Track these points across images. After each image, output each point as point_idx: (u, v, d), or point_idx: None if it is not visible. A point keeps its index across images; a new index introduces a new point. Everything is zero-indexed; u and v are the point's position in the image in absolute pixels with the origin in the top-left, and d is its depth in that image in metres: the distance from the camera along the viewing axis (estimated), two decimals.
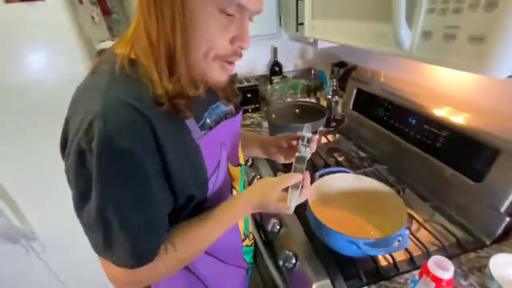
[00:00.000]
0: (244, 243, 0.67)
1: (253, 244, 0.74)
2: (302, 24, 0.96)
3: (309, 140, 0.56)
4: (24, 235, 1.14)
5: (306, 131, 0.59)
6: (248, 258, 0.71)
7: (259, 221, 0.91)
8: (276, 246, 0.77)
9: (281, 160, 0.68)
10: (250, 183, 0.99)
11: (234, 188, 0.61)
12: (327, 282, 0.59)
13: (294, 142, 0.63)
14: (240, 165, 0.63)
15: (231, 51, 0.42)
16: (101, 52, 1.01)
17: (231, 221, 0.51)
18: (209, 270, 0.59)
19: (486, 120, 0.68)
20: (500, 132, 0.63)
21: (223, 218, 0.50)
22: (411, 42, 0.50)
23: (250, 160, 1.02)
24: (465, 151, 0.69)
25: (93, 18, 0.99)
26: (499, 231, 0.65)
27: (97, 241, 0.40)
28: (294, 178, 0.50)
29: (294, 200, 0.48)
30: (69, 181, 0.40)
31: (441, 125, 0.76)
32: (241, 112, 0.59)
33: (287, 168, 0.95)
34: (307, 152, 0.55)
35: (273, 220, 0.78)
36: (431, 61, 0.47)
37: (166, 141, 0.39)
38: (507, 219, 0.63)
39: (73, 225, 0.48)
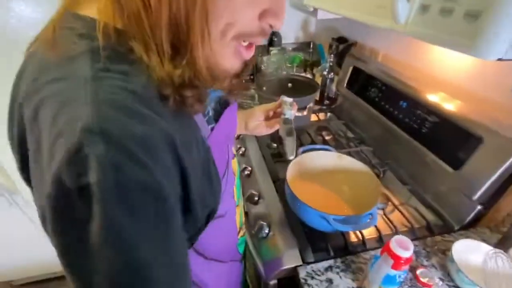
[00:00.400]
0: (240, 235, 0.60)
1: (245, 234, 0.67)
2: None
3: (291, 104, 0.59)
4: (7, 189, 1.15)
5: (284, 98, 0.63)
6: (241, 248, 0.64)
7: (242, 189, 0.92)
8: (253, 216, 0.78)
9: (264, 131, 0.67)
10: (241, 174, 0.96)
11: (235, 184, 0.52)
12: (295, 251, 0.61)
13: (271, 113, 0.65)
14: (234, 154, 0.57)
15: (257, 29, 0.30)
16: None
17: None
18: (209, 274, 0.52)
19: (475, 108, 0.67)
20: (486, 121, 0.62)
21: None
22: (407, 15, 0.47)
23: (242, 148, 0.98)
24: (449, 138, 0.69)
25: None
26: (469, 218, 0.67)
27: None
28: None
29: (290, 147, 0.51)
30: (44, 223, 0.24)
31: (429, 110, 0.74)
32: (236, 103, 0.51)
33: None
34: (292, 114, 0.59)
35: (252, 191, 0.79)
36: (425, 37, 0.44)
37: (184, 154, 0.28)
38: (478, 207, 0.65)
39: None
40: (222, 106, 0.45)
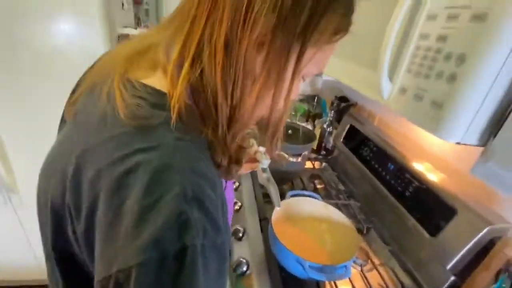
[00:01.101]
0: None
1: None
2: None
3: (265, 153, 0.63)
4: (6, 185, 1.18)
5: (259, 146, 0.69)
6: None
7: None
8: (235, 252, 0.80)
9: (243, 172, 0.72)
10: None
11: None
12: None
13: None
14: None
15: None
16: (122, 37, 1.08)
17: None
18: None
19: (454, 181, 0.72)
20: (461, 196, 0.67)
21: None
22: (389, 93, 0.55)
23: (236, 183, 1.04)
24: (428, 205, 0.73)
25: (122, 4, 1.07)
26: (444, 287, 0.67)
27: None
28: None
29: (275, 197, 0.53)
30: None
31: (413, 176, 0.80)
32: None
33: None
34: (267, 162, 0.63)
35: (238, 227, 0.81)
36: (403, 114, 0.52)
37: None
38: (452, 277, 0.66)
39: None
40: None
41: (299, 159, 0.96)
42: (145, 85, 0.29)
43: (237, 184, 1.00)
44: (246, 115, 0.31)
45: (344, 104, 1.29)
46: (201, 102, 0.29)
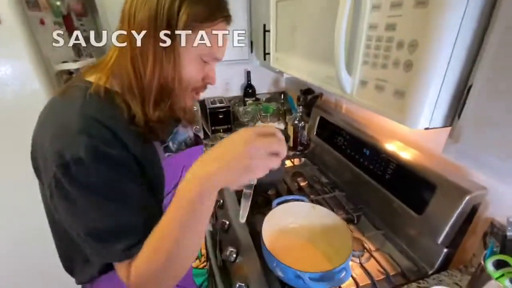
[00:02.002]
0: (195, 264, 0.72)
1: (205, 267, 0.74)
2: (269, 54, 1.01)
3: None
4: None
5: None
6: (199, 281, 0.71)
7: (219, 245, 0.90)
8: (231, 275, 0.76)
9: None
10: (220, 229, 0.96)
11: None
12: None
13: None
14: None
15: (201, 85, 0.54)
16: (62, 73, 0.99)
17: (185, 208, 0.39)
18: None
19: (426, 156, 0.74)
20: (437, 169, 0.68)
21: (175, 208, 0.41)
22: (351, 87, 0.54)
23: (220, 200, 1.00)
24: (409, 185, 0.74)
25: (55, 38, 0.98)
26: (439, 261, 0.69)
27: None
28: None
29: (242, 211, 0.48)
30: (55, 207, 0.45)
31: (389, 158, 0.81)
32: (203, 145, 0.69)
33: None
34: (255, 180, 0.59)
35: (230, 249, 0.78)
36: (368, 106, 0.51)
37: (137, 153, 0.47)
38: (445, 250, 0.68)
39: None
40: (187, 145, 0.66)
41: None
42: (82, 79, 0.49)
43: (221, 201, 0.96)
44: (151, 83, 0.46)
45: (310, 97, 1.29)
46: (121, 82, 0.48)
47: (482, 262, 0.54)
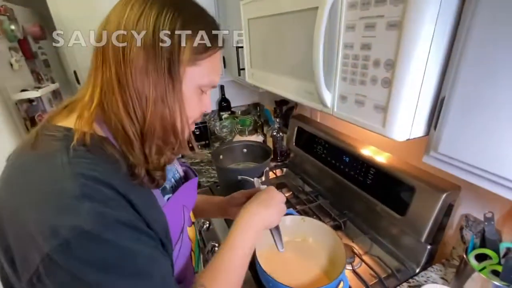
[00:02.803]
0: None
1: None
2: (243, 69, 1.02)
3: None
4: None
5: (257, 183, 0.68)
6: None
7: None
8: None
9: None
10: (200, 228, 0.95)
11: (192, 250, 0.58)
12: None
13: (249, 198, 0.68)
14: (193, 223, 0.61)
15: (199, 116, 0.49)
16: (22, 102, 0.91)
17: (245, 240, 0.51)
18: None
19: (404, 160, 0.78)
20: (414, 172, 0.73)
21: (235, 240, 0.51)
22: (331, 102, 0.56)
23: (207, 222, 0.97)
24: (390, 188, 0.78)
25: (11, 64, 0.89)
26: (424, 258, 0.73)
27: None
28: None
29: (278, 238, 0.60)
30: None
31: (368, 164, 0.85)
32: (197, 177, 0.60)
33: None
34: None
35: None
36: (349, 119, 0.53)
37: (144, 210, 0.39)
38: (428, 247, 0.72)
39: None
40: (182, 181, 0.57)
41: (263, 178, 0.94)
42: (56, 126, 0.39)
43: (207, 224, 0.93)
44: (153, 127, 0.39)
45: (285, 108, 1.32)
46: (111, 128, 0.39)
47: (465, 256, 0.58)
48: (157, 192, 0.46)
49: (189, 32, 0.39)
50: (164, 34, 0.37)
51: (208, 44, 0.42)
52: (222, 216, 0.73)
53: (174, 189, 0.53)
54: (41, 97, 1.01)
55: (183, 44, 0.39)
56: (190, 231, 0.57)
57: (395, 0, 0.38)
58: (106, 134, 0.40)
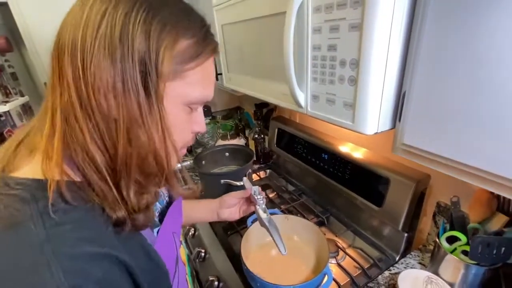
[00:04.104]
0: None
1: None
2: (221, 74, 1.03)
3: (259, 192, 0.65)
4: None
5: (247, 183, 0.70)
6: None
7: (196, 277, 0.86)
8: None
9: (237, 217, 0.72)
10: (186, 235, 0.94)
11: (187, 273, 0.56)
12: None
13: (242, 200, 0.71)
14: (180, 241, 0.57)
15: (191, 138, 0.40)
16: None
17: None
18: None
19: (377, 154, 0.82)
20: (387, 164, 0.76)
21: None
22: (305, 102, 0.58)
23: (192, 229, 0.97)
24: (366, 182, 0.81)
25: None
26: (402, 246, 0.76)
27: None
28: None
29: (279, 240, 0.59)
30: None
31: (345, 160, 0.88)
32: (181, 199, 0.55)
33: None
34: (264, 202, 0.65)
35: (211, 278, 0.75)
36: (322, 118, 0.55)
37: (137, 269, 0.32)
38: (405, 235, 0.75)
39: None
40: (161, 205, 0.50)
41: (246, 179, 0.95)
42: (18, 179, 0.29)
43: (192, 231, 0.92)
44: (129, 158, 0.31)
45: (265, 110, 1.34)
46: (80, 165, 0.30)
47: (437, 240, 0.62)
48: (146, 231, 0.39)
49: (170, 35, 0.30)
50: (134, 39, 0.28)
51: (197, 51, 0.33)
52: (212, 219, 0.73)
53: (160, 215, 0.48)
54: (9, 112, 0.96)
55: (161, 52, 0.30)
56: (182, 253, 0.53)
57: (354, 3, 0.41)
58: (80, 177, 0.31)
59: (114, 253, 0.29)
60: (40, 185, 0.28)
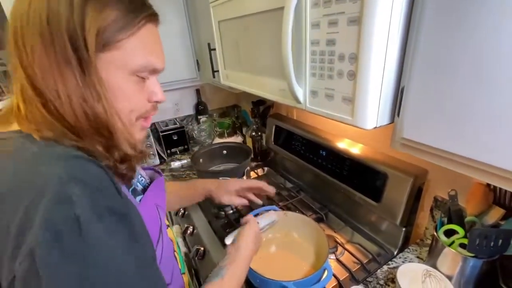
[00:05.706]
0: None
1: None
2: (217, 71, 1.02)
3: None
4: None
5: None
6: None
7: (195, 275, 0.86)
8: None
9: (237, 202, 0.78)
10: (184, 233, 0.94)
11: (175, 250, 0.57)
12: None
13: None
14: (168, 225, 0.61)
15: (150, 108, 0.42)
16: None
17: (243, 273, 0.55)
18: None
19: (375, 149, 0.83)
20: (385, 159, 0.77)
21: (236, 275, 0.53)
22: (303, 97, 0.58)
23: (181, 209, 0.98)
24: (365, 177, 0.82)
25: None
26: (400, 241, 0.77)
27: None
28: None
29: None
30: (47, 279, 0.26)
31: (343, 156, 0.88)
32: (163, 176, 0.59)
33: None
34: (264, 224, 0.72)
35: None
36: (321, 113, 0.55)
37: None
38: (403, 229, 0.76)
39: None
40: (142, 184, 0.54)
41: (245, 177, 0.95)
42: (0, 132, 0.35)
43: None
44: (81, 127, 0.33)
45: (262, 107, 1.34)
46: (56, 138, 0.33)
47: (435, 234, 0.62)
48: (129, 194, 0.43)
49: (93, 7, 0.32)
50: (61, 16, 0.30)
51: (127, 20, 0.34)
52: (204, 198, 0.78)
53: (143, 192, 0.51)
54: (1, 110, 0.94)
55: (87, 22, 0.31)
56: (169, 232, 0.57)
57: None
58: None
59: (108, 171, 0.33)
60: (23, 133, 0.33)
